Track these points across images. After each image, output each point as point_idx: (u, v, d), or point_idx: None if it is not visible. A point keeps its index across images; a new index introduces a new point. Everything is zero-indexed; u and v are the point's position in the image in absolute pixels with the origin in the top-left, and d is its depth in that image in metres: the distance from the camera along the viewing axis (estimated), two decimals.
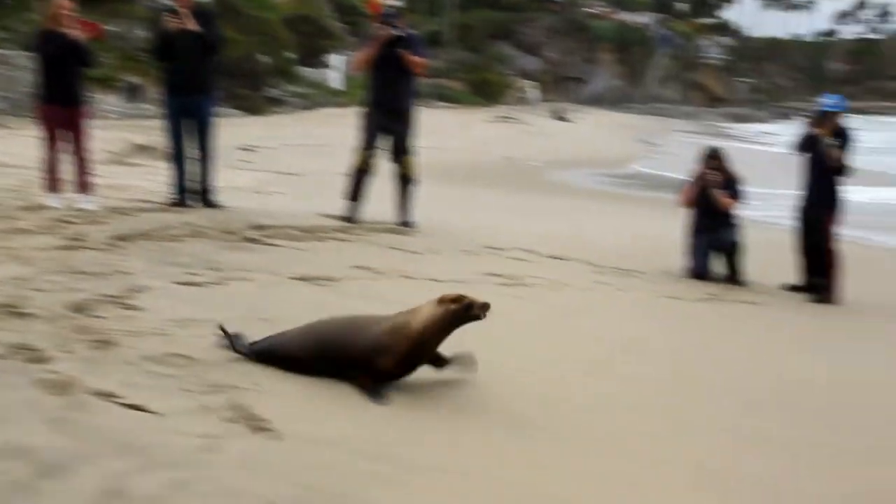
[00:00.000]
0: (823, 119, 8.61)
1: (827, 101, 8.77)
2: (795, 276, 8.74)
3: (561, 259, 8.57)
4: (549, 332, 6.09)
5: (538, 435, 4.16)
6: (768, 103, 77.36)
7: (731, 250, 8.83)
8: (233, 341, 4.54)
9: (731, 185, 8.94)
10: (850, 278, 8.47)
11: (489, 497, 3.44)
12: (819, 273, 8.55)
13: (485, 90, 47.76)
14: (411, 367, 4.44)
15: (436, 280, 6.87)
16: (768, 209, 13.75)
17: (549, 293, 6.95)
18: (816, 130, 8.61)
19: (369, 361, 4.31)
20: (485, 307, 4.36)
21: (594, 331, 6.25)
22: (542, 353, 5.47)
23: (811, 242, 8.67)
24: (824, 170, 8.60)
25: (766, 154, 28.57)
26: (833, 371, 6.13)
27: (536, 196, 15.21)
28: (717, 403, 5.02)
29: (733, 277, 8.80)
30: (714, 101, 76.11)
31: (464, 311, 4.36)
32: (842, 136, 8.57)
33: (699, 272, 8.75)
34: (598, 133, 35.34)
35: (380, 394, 4.25)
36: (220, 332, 4.60)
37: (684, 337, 6.56)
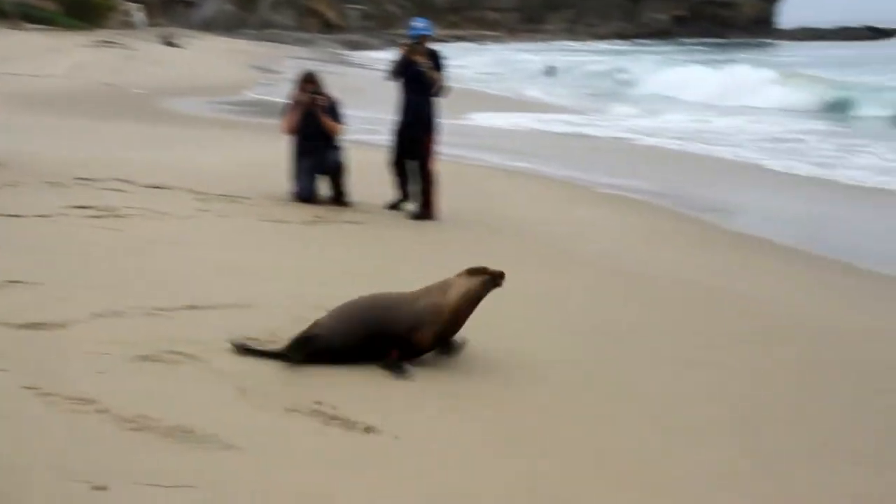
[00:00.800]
0: (416, 44, 8.92)
1: (417, 25, 9.08)
2: (395, 194, 9.06)
3: (161, 188, 8.22)
4: (141, 261, 5.82)
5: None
6: (380, 30, 79.53)
7: (335, 172, 8.96)
8: (256, 349, 4.35)
9: (331, 108, 9.03)
10: (447, 194, 8.93)
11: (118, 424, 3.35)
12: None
13: (83, 12, 44.33)
14: (444, 341, 4.54)
15: (16, 216, 6.28)
16: (373, 132, 14.13)
17: (145, 223, 6.64)
18: (410, 55, 8.90)
19: (407, 337, 4.40)
20: (502, 275, 4.59)
21: (190, 257, 6.06)
22: (132, 282, 5.24)
23: (410, 161, 9.00)
24: (420, 92, 8.93)
25: (376, 79, 29.38)
26: (421, 277, 6.47)
27: (140, 125, 14.43)
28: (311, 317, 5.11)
29: (338, 199, 8.96)
30: (328, 27, 76.84)
31: (493, 282, 4.55)
32: (433, 58, 8.94)
33: (304, 195, 8.81)
34: (209, 59, 34.25)
35: (404, 370, 4.33)
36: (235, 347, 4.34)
37: (287, 259, 6.56)
